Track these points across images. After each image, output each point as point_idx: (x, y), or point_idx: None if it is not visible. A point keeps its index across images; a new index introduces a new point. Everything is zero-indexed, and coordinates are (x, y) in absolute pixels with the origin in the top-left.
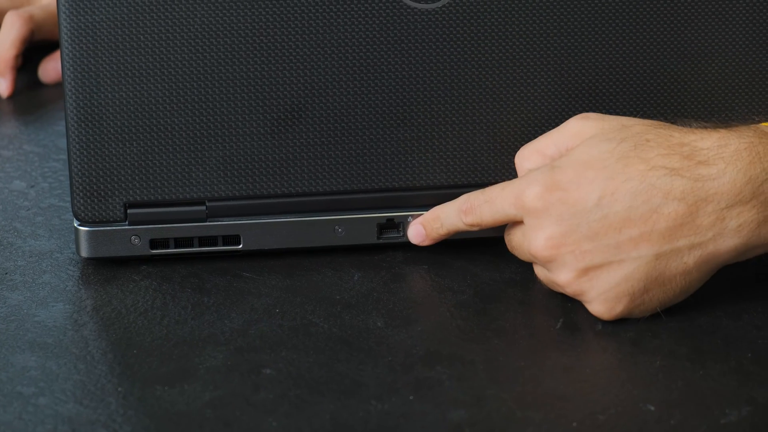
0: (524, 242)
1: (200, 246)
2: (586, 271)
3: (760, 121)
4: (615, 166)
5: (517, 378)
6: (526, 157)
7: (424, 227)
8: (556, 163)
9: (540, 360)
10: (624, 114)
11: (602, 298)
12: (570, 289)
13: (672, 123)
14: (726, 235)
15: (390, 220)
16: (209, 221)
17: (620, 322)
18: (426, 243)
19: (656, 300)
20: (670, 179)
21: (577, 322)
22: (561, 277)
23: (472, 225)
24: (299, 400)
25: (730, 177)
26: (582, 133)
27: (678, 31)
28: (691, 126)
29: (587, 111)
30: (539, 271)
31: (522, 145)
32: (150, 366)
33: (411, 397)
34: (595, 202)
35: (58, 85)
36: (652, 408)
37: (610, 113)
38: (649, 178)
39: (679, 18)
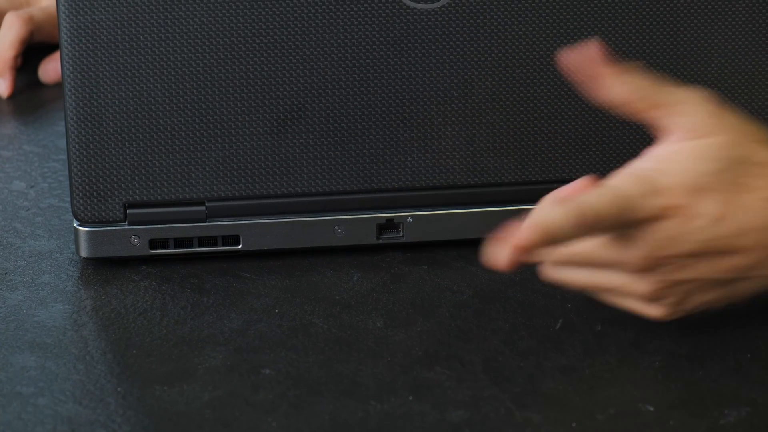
0: (620, 286)
1: (200, 246)
2: (673, 283)
3: None
4: (730, 190)
5: (516, 378)
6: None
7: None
8: (661, 168)
9: (539, 360)
10: None
11: (672, 306)
12: (645, 296)
13: None
14: None
15: (389, 220)
16: (209, 221)
17: (619, 323)
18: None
19: (715, 307)
20: None
21: (576, 322)
22: (644, 284)
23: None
24: (298, 401)
25: None
26: (706, 127)
27: (677, 32)
28: None
29: (586, 111)
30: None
31: (522, 145)
32: (149, 366)
33: (410, 398)
34: (709, 222)
35: (58, 86)
36: (651, 408)
37: (611, 114)
38: (760, 209)
39: (678, 18)
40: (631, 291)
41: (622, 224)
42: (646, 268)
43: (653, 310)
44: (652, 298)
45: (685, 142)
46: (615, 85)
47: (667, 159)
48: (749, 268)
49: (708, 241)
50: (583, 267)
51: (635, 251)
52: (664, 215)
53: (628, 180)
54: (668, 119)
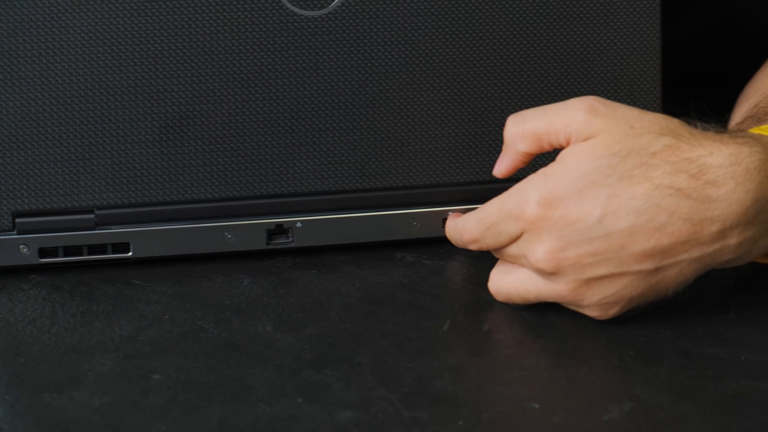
0: (523, 253)
1: (90, 254)
2: (587, 282)
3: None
4: (618, 184)
5: (405, 379)
6: (520, 138)
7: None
8: (552, 172)
9: (427, 361)
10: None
11: (599, 305)
12: (567, 298)
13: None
14: (724, 251)
15: (279, 225)
16: (98, 229)
17: (506, 324)
18: None
19: (649, 300)
20: (677, 200)
21: (464, 323)
22: (560, 286)
23: (480, 250)
24: (188, 405)
25: (737, 198)
26: (586, 130)
27: (561, 36)
28: (696, 127)
29: (472, 116)
30: (515, 281)
31: (408, 150)
32: (39, 374)
33: (299, 400)
34: (597, 219)
35: None
36: (537, 406)
37: (495, 118)
38: (654, 197)
39: (562, 23)
40: (551, 296)
41: (507, 241)
42: (550, 271)
43: (586, 312)
44: (574, 300)
45: (573, 146)
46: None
47: (556, 163)
48: (663, 256)
49: (602, 238)
50: (509, 269)
51: (537, 254)
52: (525, 231)
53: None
54: (558, 139)
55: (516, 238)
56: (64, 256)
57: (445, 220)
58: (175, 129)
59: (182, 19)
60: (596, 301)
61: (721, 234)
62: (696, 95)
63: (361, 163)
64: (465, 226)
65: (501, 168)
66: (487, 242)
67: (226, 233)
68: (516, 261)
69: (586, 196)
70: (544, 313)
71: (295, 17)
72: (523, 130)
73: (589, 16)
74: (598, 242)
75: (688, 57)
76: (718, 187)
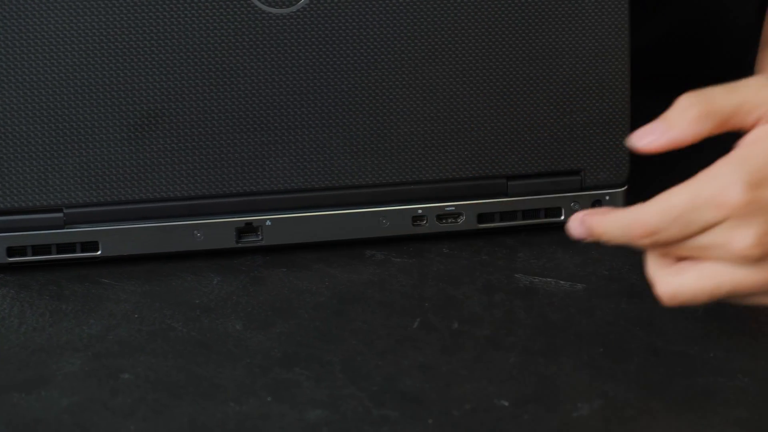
0: (723, 242)
1: (58, 253)
2: None
3: None
4: None
5: (374, 377)
6: (705, 116)
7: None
8: (749, 154)
9: (397, 359)
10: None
11: None
12: (757, 244)
13: None
14: None
15: (248, 224)
16: (67, 228)
17: (475, 322)
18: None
19: None
20: None
21: (433, 321)
22: (765, 274)
23: (653, 245)
24: (157, 404)
25: None
26: None
27: (530, 34)
28: None
29: (442, 114)
30: (701, 277)
31: (378, 147)
32: (7, 373)
33: (269, 399)
34: None
35: None
36: (506, 403)
37: (465, 116)
38: None
39: (531, 21)
40: (751, 286)
41: (697, 231)
42: (759, 257)
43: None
44: (760, 253)
45: (762, 128)
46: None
47: (749, 146)
48: None
49: None
50: (682, 240)
51: (746, 241)
52: (728, 217)
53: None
54: (747, 119)
55: (708, 228)
56: (32, 255)
57: (415, 218)
58: (144, 127)
59: (151, 17)
60: None
61: None
62: (665, 92)
63: (330, 161)
64: (640, 218)
65: (660, 141)
66: (670, 234)
67: (195, 232)
68: (703, 253)
69: None
70: (513, 312)
71: (264, 15)
72: (711, 108)
73: (558, 15)
74: None
75: (657, 56)
76: None
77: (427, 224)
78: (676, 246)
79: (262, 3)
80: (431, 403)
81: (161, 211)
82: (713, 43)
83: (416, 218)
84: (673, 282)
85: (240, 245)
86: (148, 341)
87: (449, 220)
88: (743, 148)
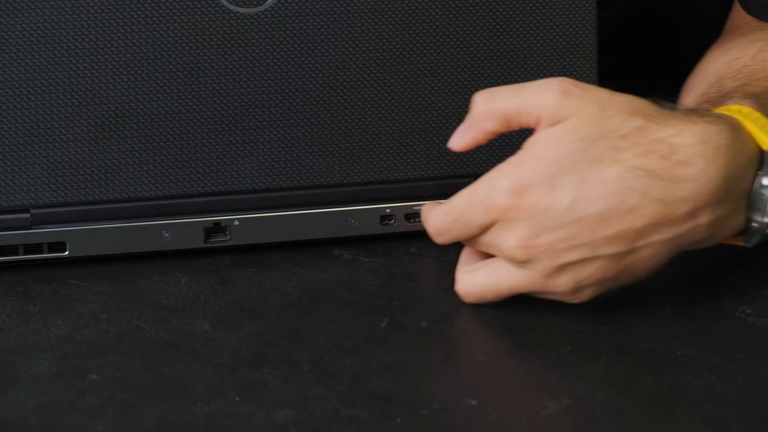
0: (495, 242)
1: (25, 254)
2: (561, 268)
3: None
4: (588, 169)
5: (342, 377)
6: (490, 117)
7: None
8: (520, 161)
9: (365, 358)
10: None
11: (573, 290)
12: (541, 286)
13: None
14: (696, 230)
15: (216, 224)
16: (34, 229)
17: (444, 321)
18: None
19: (622, 283)
20: (648, 181)
21: (401, 320)
22: (534, 275)
23: (448, 243)
24: (125, 405)
25: (708, 177)
26: (558, 114)
27: (496, 33)
28: (663, 106)
29: (409, 114)
30: (486, 277)
31: (346, 147)
32: None
33: (237, 399)
34: (568, 205)
35: None
36: (475, 402)
37: (432, 115)
38: (626, 180)
39: (496, 20)
40: (524, 285)
41: (476, 232)
42: (524, 259)
43: (560, 298)
44: (547, 286)
45: (541, 132)
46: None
47: (525, 151)
48: (635, 238)
49: (575, 224)
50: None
51: (509, 243)
52: (497, 220)
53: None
54: (528, 120)
55: (486, 228)
56: None
57: (383, 217)
58: (111, 127)
59: (119, 16)
60: (570, 287)
61: (693, 213)
62: (631, 80)
63: (298, 161)
64: (430, 220)
65: (462, 141)
66: (456, 233)
67: (163, 232)
68: (488, 250)
69: (557, 183)
70: (481, 311)
71: (231, 14)
72: (494, 108)
73: (525, 14)
74: (570, 228)
75: (619, 39)
76: (689, 166)
77: (395, 223)
78: (467, 242)
79: (230, 2)
80: (400, 402)
81: (129, 211)
82: (675, 19)
83: (384, 217)
84: (465, 279)
85: (208, 245)
86: (115, 342)
87: (417, 220)
88: (519, 153)
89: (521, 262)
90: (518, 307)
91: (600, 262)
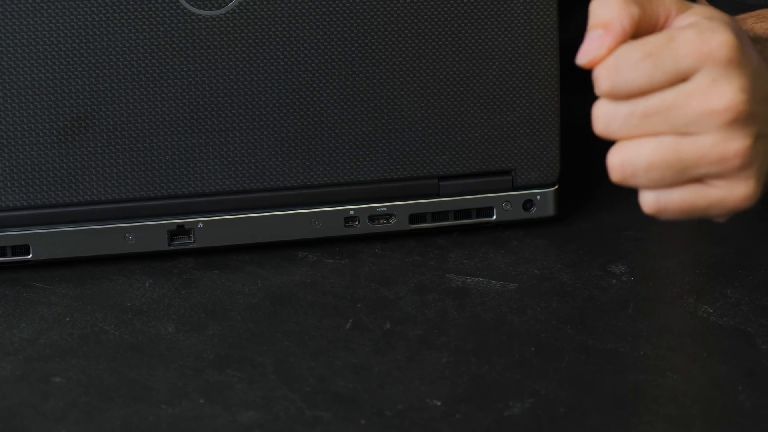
0: (704, 97)
1: None
2: (759, 138)
3: None
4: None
5: (307, 378)
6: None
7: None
8: (709, 17)
9: (329, 360)
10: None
11: (756, 175)
12: (735, 162)
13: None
14: None
15: (180, 226)
16: None
17: (408, 322)
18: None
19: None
20: None
21: (366, 322)
22: (737, 143)
23: (614, 90)
24: (89, 407)
25: None
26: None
27: (459, 35)
28: None
29: (372, 115)
30: (662, 144)
31: (309, 149)
32: None
33: (201, 401)
34: (757, 65)
35: None
36: (439, 403)
37: (395, 117)
38: None
39: (460, 22)
40: (723, 151)
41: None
42: (738, 117)
43: (740, 187)
44: (746, 158)
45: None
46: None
47: (702, 19)
48: None
49: (764, 92)
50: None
51: (728, 95)
52: (703, 67)
53: None
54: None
55: (679, 79)
56: None
57: (347, 219)
58: (73, 130)
59: (80, 19)
60: (758, 170)
61: None
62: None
63: (262, 163)
64: (620, 53)
65: (604, 45)
66: (639, 75)
67: (127, 234)
68: (662, 115)
69: (748, 42)
70: (445, 311)
71: (193, 17)
72: (637, 43)
73: (487, 15)
74: (765, 88)
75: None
76: None
77: (359, 225)
78: (642, 108)
79: (191, 5)
80: (364, 403)
81: (92, 214)
82: None
83: (348, 219)
84: (629, 149)
85: (172, 248)
86: (79, 344)
87: (381, 221)
88: (697, 21)
89: (731, 123)
90: (482, 307)
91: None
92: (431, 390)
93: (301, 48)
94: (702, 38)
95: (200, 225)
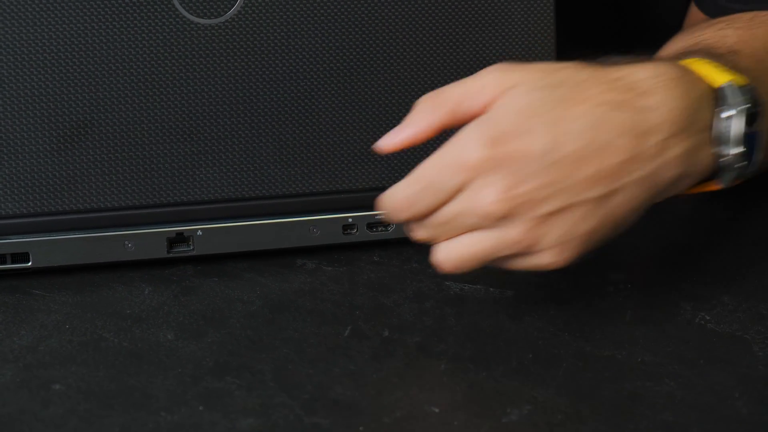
0: (468, 204)
1: None
2: (543, 218)
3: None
4: (557, 109)
5: (305, 385)
6: (433, 107)
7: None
8: (486, 116)
9: (328, 367)
10: None
11: (556, 245)
12: (523, 243)
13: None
14: (667, 165)
15: (179, 234)
16: None
17: (407, 329)
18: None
19: (605, 235)
20: (616, 114)
21: (364, 329)
22: (515, 230)
23: (412, 219)
24: (89, 414)
25: (669, 106)
26: (504, 83)
27: (457, 43)
28: (610, 63)
29: (370, 123)
30: (463, 243)
31: (307, 157)
32: None
33: (200, 408)
34: (543, 148)
35: None
36: (437, 410)
37: (394, 124)
38: (595, 115)
39: (457, 30)
40: (509, 241)
41: (447, 198)
42: (503, 214)
43: (542, 259)
44: (529, 243)
45: (499, 95)
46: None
47: (490, 110)
48: (612, 178)
49: (551, 167)
50: (454, 233)
51: (488, 199)
52: (468, 180)
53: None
54: (476, 103)
55: (455, 193)
56: None
57: (345, 227)
58: (73, 138)
59: (79, 27)
60: (553, 241)
61: (663, 145)
62: None
63: (260, 171)
64: (395, 194)
65: (395, 139)
66: (425, 203)
67: (126, 242)
68: (453, 223)
69: (529, 127)
70: (444, 318)
71: (192, 25)
72: (438, 97)
73: (485, 23)
74: (548, 173)
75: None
76: (650, 95)
77: (357, 233)
78: (426, 223)
79: (191, 13)
80: (362, 410)
81: (92, 221)
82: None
83: (347, 227)
84: (442, 249)
85: (171, 255)
86: (79, 352)
87: (380, 229)
88: (485, 114)
89: (501, 218)
90: (480, 314)
91: (580, 211)
92: (429, 397)
93: (300, 56)
94: (457, 154)
95: (199, 233)
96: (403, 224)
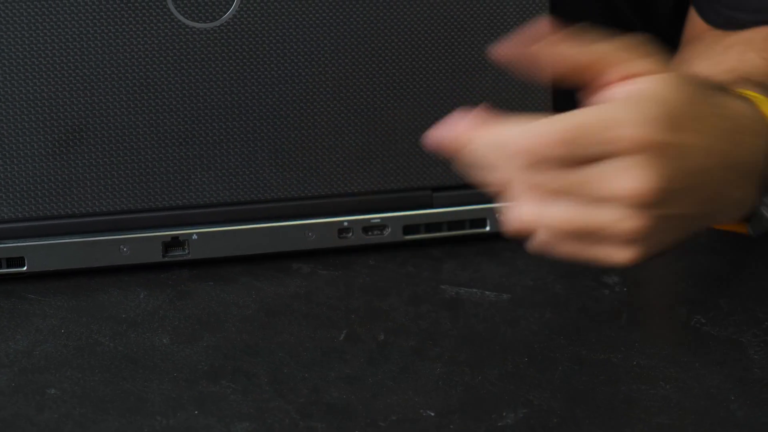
0: (615, 179)
1: None
2: (666, 219)
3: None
4: (709, 118)
5: (301, 389)
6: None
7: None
8: (647, 96)
9: (323, 371)
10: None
11: (651, 247)
12: (639, 233)
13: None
14: (735, 204)
15: (175, 238)
16: None
17: (402, 333)
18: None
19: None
20: (734, 144)
21: (360, 333)
22: (639, 221)
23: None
24: (84, 419)
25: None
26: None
27: (452, 47)
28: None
29: (366, 127)
30: (564, 209)
31: (303, 161)
32: None
33: (196, 412)
34: (705, 152)
35: None
36: (432, 414)
37: (388, 129)
38: (724, 137)
39: (453, 35)
40: (620, 228)
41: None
42: (644, 205)
43: (625, 254)
44: (639, 236)
45: (650, 80)
46: (569, 54)
47: (645, 91)
48: (714, 202)
49: (701, 172)
50: (572, 200)
51: (621, 189)
52: (622, 153)
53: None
54: (625, 69)
55: (601, 158)
56: None
57: (340, 230)
58: (68, 142)
59: (74, 32)
60: (653, 243)
61: (742, 182)
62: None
63: (256, 175)
64: (531, 131)
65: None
66: (569, 149)
67: (121, 246)
68: (580, 187)
69: (697, 125)
70: (439, 322)
71: (187, 30)
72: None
73: (480, 26)
74: (696, 176)
75: None
76: (746, 134)
77: (353, 236)
78: (564, 180)
79: (186, 18)
80: (358, 414)
81: (87, 226)
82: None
83: (342, 231)
84: (530, 208)
85: (166, 259)
86: (74, 356)
87: (375, 233)
88: (636, 93)
89: (637, 205)
90: (476, 318)
91: (687, 221)
92: (425, 401)
93: (295, 60)
94: (633, 120)
95: (194, 237)
96: (511, 170)
